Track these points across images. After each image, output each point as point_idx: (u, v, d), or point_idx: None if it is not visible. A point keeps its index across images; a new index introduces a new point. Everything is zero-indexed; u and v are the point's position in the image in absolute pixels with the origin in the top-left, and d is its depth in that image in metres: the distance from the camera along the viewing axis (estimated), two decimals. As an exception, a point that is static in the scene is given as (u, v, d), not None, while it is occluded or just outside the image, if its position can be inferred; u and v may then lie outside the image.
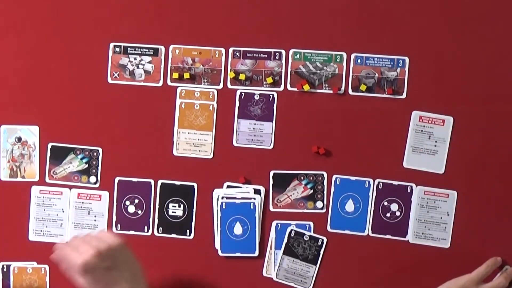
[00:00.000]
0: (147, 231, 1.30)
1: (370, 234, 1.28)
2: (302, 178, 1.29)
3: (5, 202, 1.30)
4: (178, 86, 1.29)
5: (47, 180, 1.30)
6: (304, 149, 1.28)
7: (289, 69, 1.28)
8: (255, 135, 1.29)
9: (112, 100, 1.29)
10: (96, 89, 1.29)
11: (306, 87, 1.27)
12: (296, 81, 1.28)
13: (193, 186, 1.29)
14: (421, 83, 1.27)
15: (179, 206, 1.30)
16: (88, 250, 1.11)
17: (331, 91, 1.28)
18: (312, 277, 1.29)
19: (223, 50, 1.29)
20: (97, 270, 1.11)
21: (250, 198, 1.28)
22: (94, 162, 1.30)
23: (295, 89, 1.28)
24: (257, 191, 1.29)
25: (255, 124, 1.29)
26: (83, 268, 1.11)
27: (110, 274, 1.12)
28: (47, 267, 1.30)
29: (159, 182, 1.29)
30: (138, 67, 1.29)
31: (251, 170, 1.29)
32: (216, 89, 1.29)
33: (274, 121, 1.28)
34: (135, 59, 1.29)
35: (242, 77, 1.29)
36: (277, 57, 1.28)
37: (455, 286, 1.24)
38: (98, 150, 1.30)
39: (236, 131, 1.29)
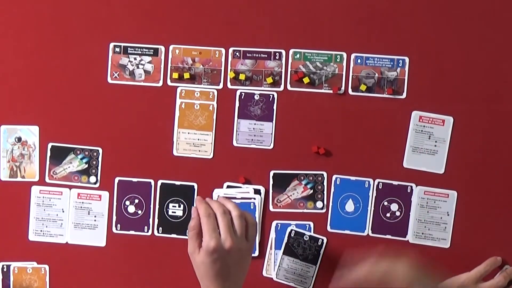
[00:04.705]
0: (147, 231, 1.30)
1: (370, 234, 1.28)
2: (302, 178, 1.29)
3: (5, 202, 1.30)
4: (178, 86, 1.29)
5: (47, 180, 1.30)
6: (304, 149, 1.28)
7: (289, 69, 1.28)
8: (255, 135, 1.29)
9: (112, 100, 1.29)
10: (96, 89, 1.29)
11: (306, 80, 1.27)
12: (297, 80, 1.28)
13: (193, 186, 1.29)
14: (421, 83, 1.27)
15: (179, 206, 1.30)
16: (229, 241, 1.10)
17: (331, 91, 1.28)
18: (312, 277, 1.29)
19: (223, 50, 1.29)
20: (221, 260, 1.10)
21: (250, 198, 1.29)
22: (94, 162, 1.30)
23: (295, 89, 1.28)
24: (257, 191, 1.29)
25: (255, 124, 1.29)
26: (210, 251, 1.09)
27: (224, 269, 1.10)
28: (47, 267, 1.30)
29: (159, 182, 1.29)
30: (138, 67, 1.29)
31: (251, 170, 1.29)
32: (216, 89, 1.29)
33: (274, 121, 1.29)
34: (135, 59, 1.29)
35: (242, 77, 1.29)
36: (277, 57, 1.28)
37: (454, 284, 1.24)
38: (98, 150, 1.30)
39: (236, 131, 1.29)
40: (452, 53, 1.26)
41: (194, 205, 1.18)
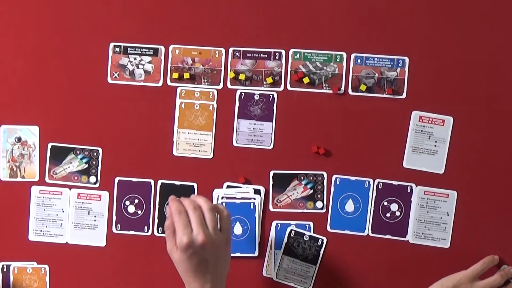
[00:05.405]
0: (147, 231, 1.30)
1: (370, 234, 1.28)
2: (302, 178, 1.29)
3: (5, 202, 1.30)
4: (178, 86, 1.29)
5: (47, 180, 1.30)
6: (304, 149, 1.28)
7: (289, 69, 1.28)
8: (255, 135, 1.29)
9: (112, 100, 1.29)
10: (96, 89, 1.29)
11: (306, 80, 1.27)
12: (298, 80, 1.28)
13: (193, 186, 1.29)
14: (421, 83, 1.27)
15: (179, 206, 1.29)
16: (201, 235, 1.11)
17: (331, 91, 1.28)
18: (312, 277, 1.29)
19: (223, 50, 1.29)
20: (197, 255, 1.11)
21: (250, 198, 1.29)
22: (94, 162, 1.30)
23: (295, 89, 1.28)
24: (257, 191, 1.29)
25: (255, 124, 1.29)
26: (184, 247, 1.11)
27: (206, 263, 1.12)
28: (47, 267, 1.30)
29: (159, 182, 1.29)
30: (138, 67, 1.29)
31: (251, 170, 1.29)
32: (216, 89, 1.29)
33: (274, 121, 1.28)
34: (135, 59, 1.29)
35: (242, 77, 1.29)
36: (277, 57, 1.28)
37: (450, 282, 1.24)
38: (98, 150, 1.30)
39: (236, 131, 1.29)
40: (452, 53, 1.26)
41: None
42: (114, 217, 1.30)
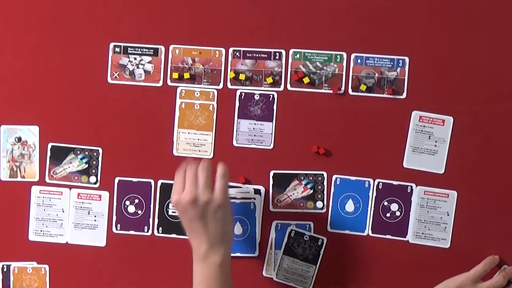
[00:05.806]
0: (147, 231, 1.30)
1: (370, 234, 1.28)
2: (302, 178, 1.29)
3: (5, 202, 1.30)
4: (178, 86, 1.29)
5: (47, 180, 1.30)
6: (304, 149, 1.28)
7: (289, 69, 1.28)
8: (255, 135, 1.29)
9: (112, 100, 1.29)
10: (96, 89, 1.29)
11: (306, 80, 1.27)
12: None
13: (193, 186, 1.29)
14: (421, 83, 1.27)
15: (179, 206, 1.29)
16: (188, 193, 1.14)
17: (331, 91, 1.28)
18: (312, 277, 1.29)
19: (223, 50, 1.29)
20: (186, 213, 1.15)
21: (250, 198, 1.28)
22: (94, 162, 1.30)
23: (295, 89, 1.28)
24: (257, 191, 1.29)
25: (255, 124, 1.29)
26: (173, 204, 1.16)
27: (195, 221, 1.15)
28: (47, 267, 1.30)
29: (159, 182, 1.29)
30: (138, 67, 1.29)
31: (251, 170, 1.29)
32: (216, 89, 1.29)
33: (274, 121, 1.28)
34: (135, 59, 1.29)
35: (242, 77, 1.29)
36: (277, 57, 1.28)
37: (453, 284, 1.24)
38: (98, 150, 1.30)
39: (236, 131, 1.29)
40: (452, 53, 1.26)
41: None
42: (114, 217, 1.30)
